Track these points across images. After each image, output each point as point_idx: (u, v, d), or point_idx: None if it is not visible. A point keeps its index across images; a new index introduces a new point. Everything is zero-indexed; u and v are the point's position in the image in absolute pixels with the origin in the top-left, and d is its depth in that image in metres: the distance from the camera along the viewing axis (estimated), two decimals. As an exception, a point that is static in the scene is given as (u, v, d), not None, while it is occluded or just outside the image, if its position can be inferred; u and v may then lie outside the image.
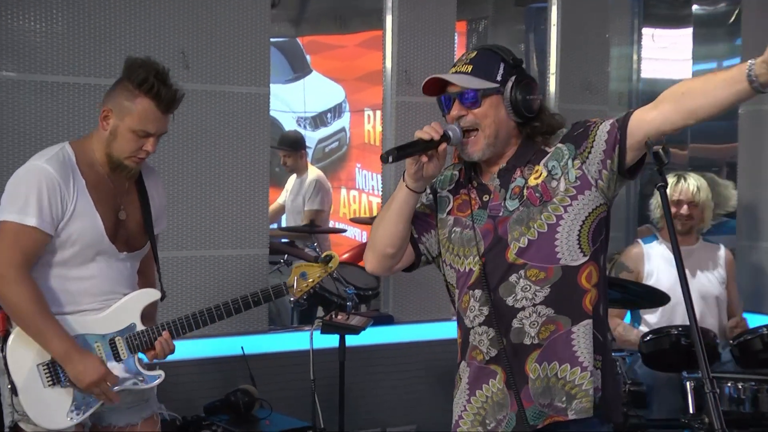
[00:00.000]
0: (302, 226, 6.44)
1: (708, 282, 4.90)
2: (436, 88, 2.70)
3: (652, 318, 4.82)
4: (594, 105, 6.01)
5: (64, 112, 4.43)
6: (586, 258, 2.61)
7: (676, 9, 7.08)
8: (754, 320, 5.08)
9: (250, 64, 4.91)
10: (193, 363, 4.68)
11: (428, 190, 2.83)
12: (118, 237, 3.21)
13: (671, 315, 4.74)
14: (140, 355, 3.29)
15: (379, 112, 5.53)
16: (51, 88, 4.42)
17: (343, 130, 8.79)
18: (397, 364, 5.34)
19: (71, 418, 3.15)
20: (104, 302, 3.21)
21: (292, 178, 7.09)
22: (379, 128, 5.65)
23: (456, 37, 7.10)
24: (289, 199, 7.04)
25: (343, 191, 8.64)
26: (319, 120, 8.78)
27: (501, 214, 2.65)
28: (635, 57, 6.86)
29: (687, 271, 4.70)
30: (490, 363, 2.66)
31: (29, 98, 4.39)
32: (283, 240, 6.62)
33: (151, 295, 3.32)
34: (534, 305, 2.60)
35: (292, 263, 6.37)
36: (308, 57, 8.75)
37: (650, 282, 4.77)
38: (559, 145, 2.65)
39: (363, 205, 8.52)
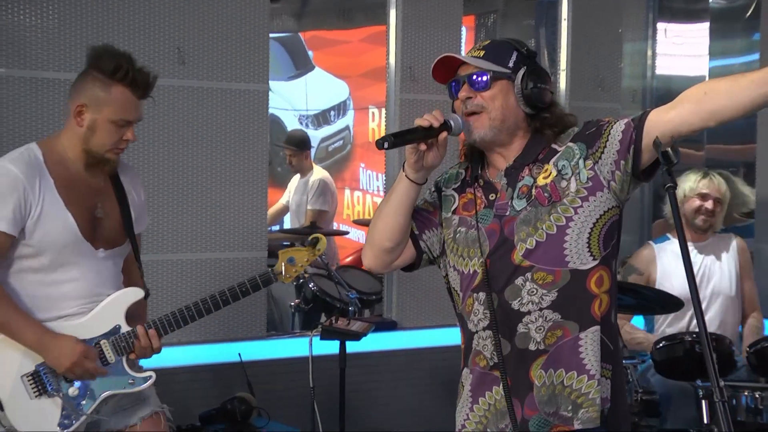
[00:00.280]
0: (302, 228, 6.44)
1: (723, 280, 4.89)
2: (445, 76, 2.71)
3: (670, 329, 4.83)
4: (606, 103, 6.01)
5: (56, 108, 4.44)
6: (596, 262, 2.60)
7: (692, 2, 7.06)
8: (771, 325, 5.08)
9: (248, 59, 4.92)
10: (188, 370, 4.69)
11: (432, 188, 2.83)
12: (96, 236, 3.20)
13: (689, 319, 4.75)
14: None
15: (384, 110, 5.52)
16: (43, 84, 4.43)
17: (346, 128, 8.78)
18: (400, 372, 5.34)
19: (63, 429, 3.15)
20: (88, 305, 3.21)
21: (296, 179, 7.09)
22: (384, 127, 5.64)
23: (465, 32, 7.10)
24: (292, 200, 7.04)
25: (347, 192, 8.64)
26: (321, 118, 8.78)
27: (508, 213, 2.64)
28: (649, 53, 6.83)
29: (701, 271, 4.76)
30: (494, 369, 2.65)
31: (20, 95, 4.40)
32: (284, 243, 6.62)
33: (135, 294, 3.31)
34: (540, 309, 2.59)
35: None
36: (310, 53, 8.75)
37: (664, 283, 4.76)
38: (570, 144, 2.64)
39: (367, 207, 8.52)
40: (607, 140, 2.59)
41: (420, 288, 5.38)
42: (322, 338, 4.42)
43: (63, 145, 3.19)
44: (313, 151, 7.92)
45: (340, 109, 8.78)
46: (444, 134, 2.60)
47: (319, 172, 7.00)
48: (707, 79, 6.86)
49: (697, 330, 4.49)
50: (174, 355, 4.62)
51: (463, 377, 2.75)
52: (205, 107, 4.82)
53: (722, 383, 4.01)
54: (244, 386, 4.57)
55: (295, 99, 8.67)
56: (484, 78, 2.64)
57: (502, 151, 2.70)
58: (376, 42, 7.17)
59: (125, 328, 3.25)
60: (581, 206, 2.59)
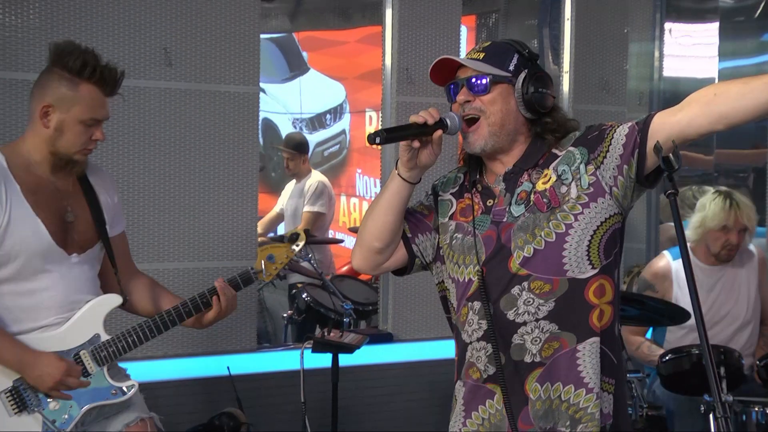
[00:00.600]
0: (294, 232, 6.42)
1: (741, 302, 4.80)
2: (444, 78, 2.71)
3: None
4: (611, 106, 6.00)
5: (36, 112, 4.43)
6: (595, 271, 2.59)
7: (700, 1, 7.07)
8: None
9: (238, 60, 4.91)
10: (174, 384, 4.68)
11: (429, 191, 2.83)
12: (68, 241, 3.19)
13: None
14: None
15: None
16: (24, 86, 4.42)
17: (342, 132, 8.79)
18: (396, 386, 5.32)
19: None
20: (65, 314, 3.19)
21: (291, 184, 7.08)
22: (380, 131, 5.63)
23: (465, 33, 7.10)
24: (287, 205, 7.02)
25: (343, 198, 8.64)
26: (317, 122, 8.79)
27: (505, 219, 2.63)
28: (657, 54, 6.83)
29: (719, 292, 4.66)
30: (487, 381, 2.64)
31: (1, 97, 4.39)
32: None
33: (112, 301, 3.30)
34: (537, 320, 2.58)
35: (286, 276, 6.41)
36: (305, 54, 8.76)
37: (680, 303, 4.65)
38: (571, 148, 2.64)
39: (364, 213, 8.51)
40: (610, 144, 2.58)
41: (417, 298, 5.37)
42: (313, 351, 4.41)
43: (27, 148, 3.17)
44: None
45: (336, 112, 8.79)
46: (439, 132, 2.60)
47: (317, 176, 7.00)
48: (717, 81, 6.87)
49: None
50: (160, 369, 4.62)
51: (456, 390, 2.75)
52: (193, 110, 4.81)
53: (729, 398, 4.06)
54: (232, 401, 4.56)
55: (290, 102, 8.67)
56: (484, 81, 2.64)
57: (502, 158, 2.70)
58: (373, 43, 7.16)
59: (104, 336, 3.24)
60: (581, 213, 2.58)
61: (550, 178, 2.62)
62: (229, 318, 4.13)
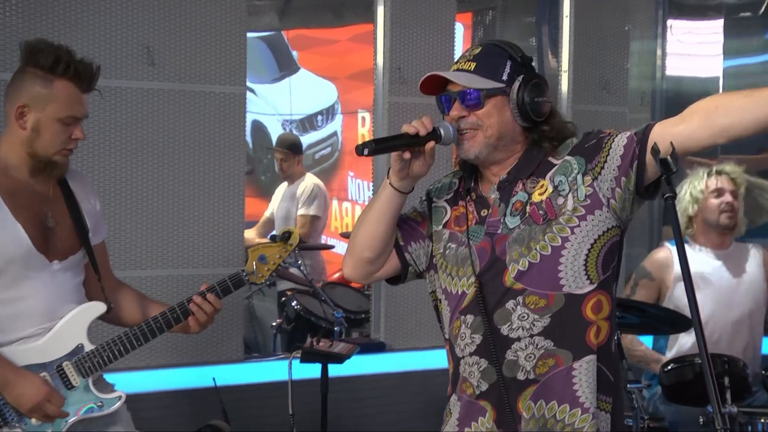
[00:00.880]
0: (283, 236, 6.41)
1: (748, 295, 4.82)
2: (435, 86, 2.69)
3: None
4: (611, 106, 6.01)
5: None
6: (593, 286, 2.59)
7: (705, -2, 7.09)
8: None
9: (224, 59, 4.91)
10: (158, 395, 4.67)
11: (423, 197, 2.82)
12: (49, 247, 3.17)
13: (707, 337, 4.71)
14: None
15: (375, 114, 5.53)
16: (2, 87, 4.41)
17: (334, 134, 8.80)
18: (388, 397, 5.31)
19: None
20: (48, 323, 3.18)
21: (282, 187, 7.06)
22: (373, 132, 5.64)
23: (462, 31, 7.11)
24: (279, 208, 7.00)
25: (335, 203, 8.64)
26: (308, 123, 8.79)
27: (500, 231, 2.63)
28: (659, 52, 6.84)
29: (724, 285, 4.68)
30: (480, 398, 2.64)
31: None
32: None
33: (96, 309, 3.28)
34: (531, 336, 2.58)
35: (275, 283, 6.41)
36: (295, 53, 8.76)
37: (677, 292, 4.68)
38: (568, 157, 2.63)
39: (356, 219, 8.50)
40: (608, 155, 2.58)
41: (411, 306, 5.36)
42: (302, 361, 4.40)
43: (5, 151, 3.16)
44: (299, 158, 7.92)
45: (328, 113, 8.79)
46: (431, 144, 2.59)
47: (311, 178, 6.98)
48: (721, 80, 6.88)
49: (711, 351, 4.47)
50: (142, 380, 4.61)
51: (452, 404, 2.75)
52: (176, 112, 4.80)
53: (733, 409, 4.05)
54: (218, 413, 4.55)
55: (279, 103, 8.68)
56: (476, 95, 2.63)
57: (498, 166, 2.69)
58: (366, 41, 7.16)
59: (89, 346, 3.22)
60: (578, 225, 2.58)
61: (547, 188, 2.62)
62: (215, 327, 4.15)
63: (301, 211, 6.79)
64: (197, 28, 4.84)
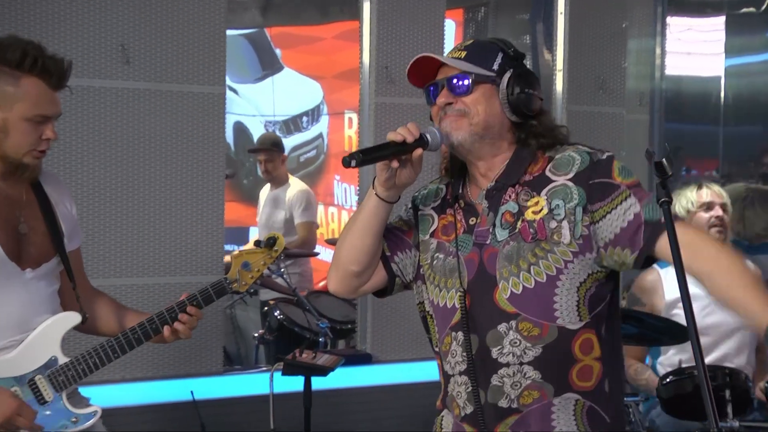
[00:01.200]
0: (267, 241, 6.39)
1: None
2: (423, 79, 2.69)
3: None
4: (608, 107, 6.02)
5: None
6: (581, 324, 2.58)
7: (706, -6, 7.12)
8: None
9: (202, 58, 4.91)
10: (135, 410, 4.67)
11: (409, 204, 2.81)
12: (22, 255, 3.16)
13: (705, 349, 4.72)
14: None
15: (362, 115, 5.53)
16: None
17: (320, 136, 8.80)
18: (374, 411, 5.31)
19: None
20: (21, 335, 3.16)
21: (266, 190, 7.03)
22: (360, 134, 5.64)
23: (453, 28, 7.11)
24: (262, 212, 6.98)
25: (320, 208, 8.64)
26: (292, 124, 8.79)
27: (488, 242, 2.62)
28: (658, 50, 6.85)
29: (710, 302, 4.72)
30: (464, 421, 2.64)
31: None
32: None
33: (70, 319, 3.26)
34: (521, 364, 2.56)
35: (257, 292, 6.40)
36: (278, 51, 8.76)
37: (671, 313, 4.73)
38: (568, 182, 2.60)
39: (342, 224, 8.51)
40: (611, 212, 2.56)
41: (398, 316, 5.37)
42: (284, 374, 4.39)
43: None
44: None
45: (313, 114, 8.80)
46: (419, 151, 2.58)
47: (298, 184, 6.94)
48: (722, 80, 6.91)
49: (709, 364, 4.48)
50: (117, 394, 4.60)
51: (444, 419, 2.73)
52: (153, 113, 4.81)
53: (735, 423, 4.06)
54: (196, 428, 4.55)
55: (262, 103, 8.68)
56: (466, 81, 2.62)
57: (484, 167, 2.68)
58: (352, 39, 7.16)
59: (63, 359, 3.21)
60: (572, 261, 2.56)
61: (542, 209, 2.59)
62: (194, 338, 4.11)
63: (303, 219, 6.75)
64: (174, 24, 4.84)
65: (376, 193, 2.63)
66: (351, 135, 8.41)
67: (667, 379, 4.46)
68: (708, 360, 4.61)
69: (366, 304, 5.44)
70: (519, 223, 2.60)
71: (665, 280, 4.83)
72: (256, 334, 6.21)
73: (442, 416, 2.74)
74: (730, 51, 6.80)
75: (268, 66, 8.73)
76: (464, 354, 2.62)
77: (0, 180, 3.16)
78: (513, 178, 2.64)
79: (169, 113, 4.85)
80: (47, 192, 3.26)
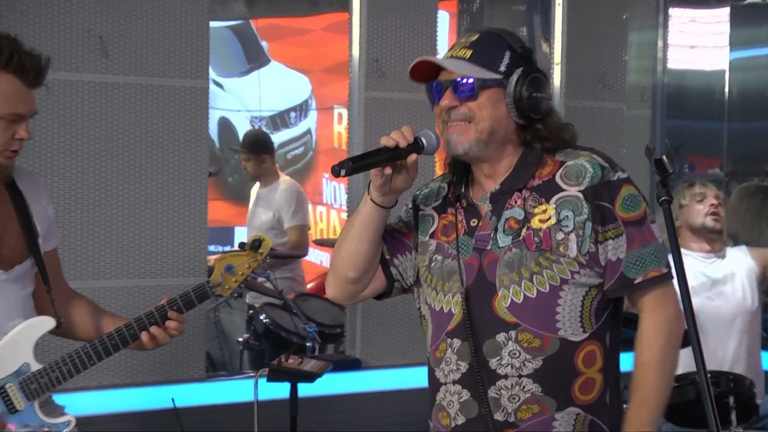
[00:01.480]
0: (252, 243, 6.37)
1: (746, 297, 4.86)
2: (425, 74, 2.67)
3: None
4: (608, 102, 6.02)
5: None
6: (586, 335, 2.58)
7: (710, -15, 7.13)
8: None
9: (185, 51, 4.91)
10: (112, 418, 4.66)
11: (409, 204, 2.80)
12: None
13: (712, 352, 4.73)
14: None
15: (352, 111, 5.52)
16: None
17: (308, 132, 8.79)
18: (363, 419, 5.31)
19: None
20: None
21: (256, 188, 7.01)
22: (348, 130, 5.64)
23: (447, 19, 7.10)
24: (251, 213, 6.95)
25: (308, 207, 8.63)
26: (279, 120, 8.78)
27: (489, 247, 2.61)
28: (660, 43, 6.86)
29: (722, 288, 4.73)
30: None
31: None
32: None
33: (43, 324, 3.24)
34: (520, 376, 2.56)
35: (242, 295, 6.39)
36: (264, 44, 8.76)
37: None
38: (579, 194, 2.59)
39: (332, 224, 8.51)
40: (609, 240, 2.58)
41: (389, 320, 5.37)
42: (269, 380, 4.38)
43: None
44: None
45: (301, 109, 8.79)
46: (414, 156, 2.57)
47: (288, 183, 6.91)
48: (727, 73, 6.91)
49: (712, 370, 4.48)
50: (94, 401, 4.60)
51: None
52: (132, 108, 4.80)
53: (739, 430, 4.06)
54: (178, 437, 4.55)
55: (248, 98, 8.67)
56: (471, 84, 2.60)
57: (488, 169, 2.67)
58: (342, 31, 7.16)
59: (35, 366, 3.19)
60: (578, 272, 2.57)
61: (550, 218, 2.59)
62: (175, 343, 4.11)
63: (293, 222, 6.72)
64: (155, 15, 4.84)
65: (371, 199, 2.62)
66: (340, 131, 8.40)
67: (669, 386, 4.46)
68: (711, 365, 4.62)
69: (355, 307, 5.44)
70: (524, 230, 2.59)
71: None
72: (240, 339, 6.19)
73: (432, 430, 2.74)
74: (735, 43, 6.81)
75: (254, 59, 8.71)
76: (460, 362, 2.61)
77: None
78: (520, 183, 2.64)
79: (149, 108, 4.84)
80: (22, 191, 3.25)
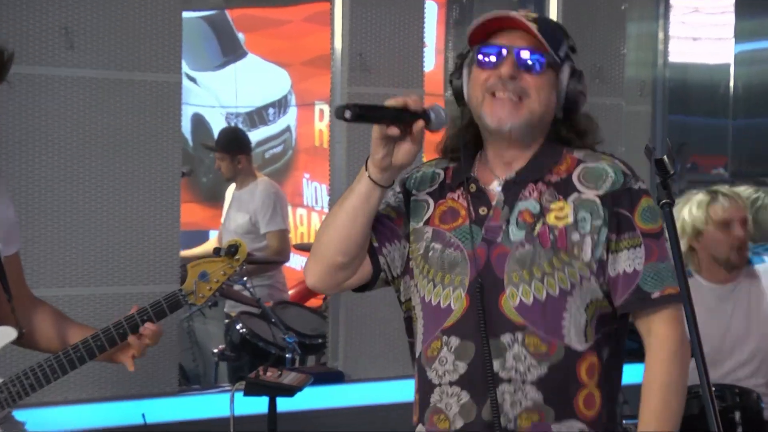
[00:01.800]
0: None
1: (748, 326, 4.84)
2: (480, 36, 2.64)
3: None
4: (606, 98, 6.03)
5: None
6: (587, 345, 2.59)
7: (713, -26, 7.15)
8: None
9: (156, 43, 4.91)
10: (80, 435, 4.65)
11: (398, 188, 2.77)
12: None
13: (727, 371, 4.70)
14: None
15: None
16: None
17: (287, 129, 8.79)
18: (347, 435, 5.33)
19: None
20: None
21: (231, 189, 7.00)
22: (330, 127, 5.64)
23: (435, 9, 7.10)
24: (226, 216, 6.95)
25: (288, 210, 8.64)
26: (257, 117, 8.78)
27: (500, 240, 2.60)
28: (661, 35, 6.88)
29: (737, 323, 4.68)
30: None
31: None
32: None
33: (5, 335, 3.25)
34: (523, 382, 2.56)
35: (218, 303, 6.38)
36: (241, 35, 8.76)
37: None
38: (597, 199, 2.60)
39: (312, 227, 8.51)
40: (624, 250, 2.59)
41: (374, 330, 5.37)
42: (246, 394, 4.38)
43: None
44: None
45: (280, 105, 8.79)
46: (420, 123, 2.53)
47: (264, 184, 6.89)
48: (732, 67, 6.93)
49: (716, 383, 4.48)
50: (59, 417, 4.59)
51: None
52: (100, 103, 4.80)
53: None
54: (149, 455, 4.55)
55: (223, 93, 8.67)
56: (541, 60, 2.60)
57: (511, 155, 2.66)
58: (323, 22, 7.16)
59: (-4, 378, 3.20)
60: (588, 279, 2.57)
61: (567, 216, 2.59)
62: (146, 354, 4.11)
63: (273, 227, 6.70)
64: (124, 4, 4.84)
65: (369, 176, 2.59)
66: (322, 128, 8.39)
67: (672, 400, 4.46)
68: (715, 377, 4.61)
69: (338, 316, 5.44)
70: (539, 225, 2.59)
71: None
72: (215, 350, 6.18)
73: (420, 433, 2.73)
74: (740, 35, 6.82)
75: (230, 52, 8.71)
76: (457, 363, 2.60)
77: None
78: (536, 174, 2.63)
79: (118, 104, 4.84)
80: None
